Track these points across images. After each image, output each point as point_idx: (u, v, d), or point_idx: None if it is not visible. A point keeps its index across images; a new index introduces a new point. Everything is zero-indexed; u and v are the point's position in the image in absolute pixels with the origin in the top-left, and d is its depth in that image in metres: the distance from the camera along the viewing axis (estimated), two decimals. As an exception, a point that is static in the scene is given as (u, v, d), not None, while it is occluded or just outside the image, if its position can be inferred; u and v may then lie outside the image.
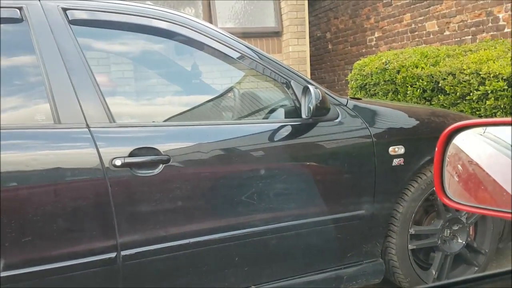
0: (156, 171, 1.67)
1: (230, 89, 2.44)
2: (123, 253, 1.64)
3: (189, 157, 1.77)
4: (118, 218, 1.63)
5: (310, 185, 2.04)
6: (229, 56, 2.03)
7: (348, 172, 2.08)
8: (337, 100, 2.13)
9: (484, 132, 0.86)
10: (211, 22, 5.80)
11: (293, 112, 2.03)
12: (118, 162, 1.61)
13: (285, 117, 2.06)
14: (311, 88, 1.87)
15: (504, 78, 3.32)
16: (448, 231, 2.33)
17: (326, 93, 2.03)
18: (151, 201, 1.68)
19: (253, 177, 1.86)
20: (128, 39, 2.13)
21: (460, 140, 0.85)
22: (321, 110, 1.91)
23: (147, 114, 2.15)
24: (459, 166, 0.85)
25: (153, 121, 1.97)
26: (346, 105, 2.14)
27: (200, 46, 2.02)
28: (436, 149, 0.72)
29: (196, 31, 1.94)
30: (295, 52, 6.20)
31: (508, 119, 0.63)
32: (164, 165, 1.68)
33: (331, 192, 2.08)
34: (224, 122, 2.16)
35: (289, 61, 6.20)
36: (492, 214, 0.68)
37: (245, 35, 5.59)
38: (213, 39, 1.98)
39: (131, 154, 1.64)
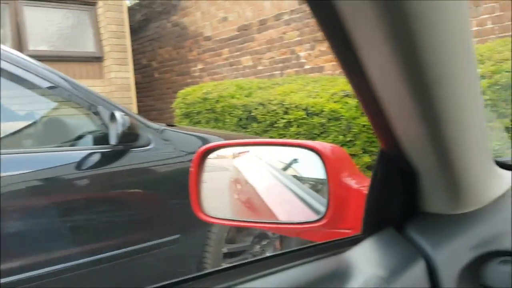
0: None
1: (31, 115, 2.25)
2: None
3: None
4: None
5: (120, 214, 2.00)
6: (28, 80, 1.89)
7: (161, 198, 2.10)
8: (150, 126, 2.15)
9: (250, 152, 0.98)
10: (21, 44, 5.28)
11: (102, 138, 1.98)
12: None
13: (94, 144, 2.00)
14: (117, 114, 1.86)
15: (303, 108, 3.84)
16: (258, 247, 2.53)
17: (137, 119, 2.05)
18: None
19: (52, 210, 1.74)
20: None
21: (227, 159, 0.96)
22: (130, 136, 1.91)
23: None
24: (227, 183, 0.95)
25: None
26: (160, 132, 2.18)
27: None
28: (191, 168, 0.80)
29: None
30: (118, 78, 6.06)
31: (257, 140, 0.74)
32: None
33: (145, 219, 2.07)
34: (19, 150, 1.96)
35: (111, 87, 6.03)
36: (246, 225, 0.78)
37: (62, 58, 5.24)
38: (12, 64, 1.82)
39: None
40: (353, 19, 0.32)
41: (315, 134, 3.75)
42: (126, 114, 1.95)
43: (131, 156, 2.01)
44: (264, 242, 2.57)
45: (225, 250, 2.35)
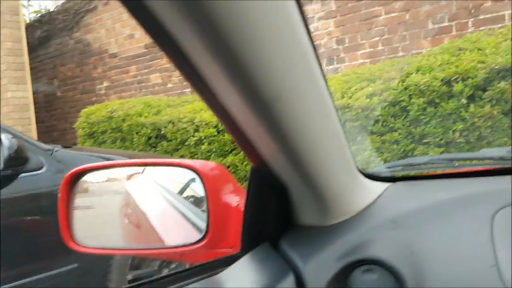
0: None
1: None
2: None
3: None
4: None
5: (11, 245, 1.81)
6: None
7: (55, 225, 1.95)
8: (42, 148, 2.00)
9: (142, 173, 0.94)
10: None
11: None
12: None
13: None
14: (2, 136, 1.71)
15: (214, 125, 3.83)
16: (166, 271, 2.44)
17: (27, 141, 1.89)
18: None
19: None
20: None
21: (121, 181, 0.90)
22: (18, 160, 1.76)
23: None
24: (115, 208, 0.89)
25: None
26: (53, 154, 2.03)
27: None
28: (60, 194, 0.74)
29: None
30: (15, 98, 5.61)
31: (132, 161, 0.71)
32: None
33: (38, 249, 1.91)
34: None
35: (8, 107, 5.55)
36: (126, 253, 0.74)
37: None
38: None
39: None
40: (171, 23, 0.29)
41: (226, 151, 3.75)
42: (14, 136, 1.79)
43: (21, 181, 1.85)
44: (173, 265, 2.48)
45: (129, 277, 2.23)
